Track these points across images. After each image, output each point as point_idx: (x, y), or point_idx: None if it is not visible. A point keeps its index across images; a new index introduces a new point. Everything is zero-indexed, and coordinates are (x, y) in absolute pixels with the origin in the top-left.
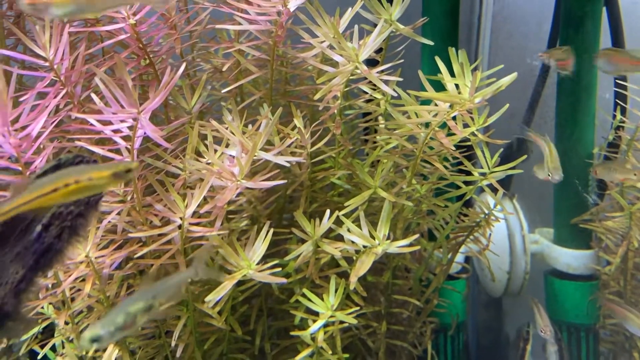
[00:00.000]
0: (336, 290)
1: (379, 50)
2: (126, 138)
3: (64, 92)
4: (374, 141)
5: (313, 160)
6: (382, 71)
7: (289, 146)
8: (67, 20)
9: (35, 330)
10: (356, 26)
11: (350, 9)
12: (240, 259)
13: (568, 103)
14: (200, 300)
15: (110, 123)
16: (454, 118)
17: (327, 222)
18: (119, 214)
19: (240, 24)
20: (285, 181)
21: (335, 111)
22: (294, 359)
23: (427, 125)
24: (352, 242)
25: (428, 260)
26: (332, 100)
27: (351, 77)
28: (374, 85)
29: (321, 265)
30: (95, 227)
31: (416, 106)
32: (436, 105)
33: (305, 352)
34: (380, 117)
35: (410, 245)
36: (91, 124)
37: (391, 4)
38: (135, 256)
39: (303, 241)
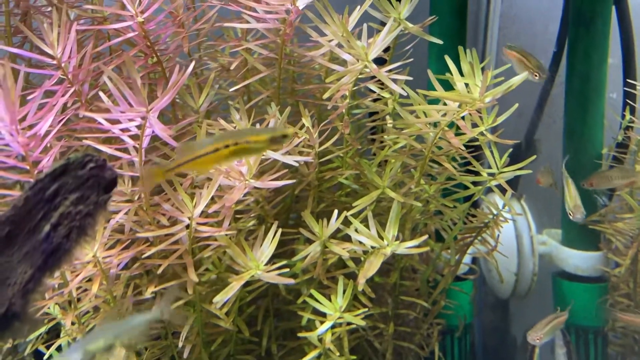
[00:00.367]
0: (344, 292)
1: (386, 49)
2: (133, 137)
3: (71, 90)
4: (382, 141)
5: (321, 160)
6: (390, 70)
7: (296, 146)
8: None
9: (42, 330)
10: (365, 25)
11: (358, 7)
12: (248, 259)
13: (577, 103)
14: (208, 301)
15: (118, 122)
16: (463, 118)
17: (335, 223)
18: (126, 213)
19: (248, 22)
20: (293, 181)
21: (344, 110)
22: None
23: (435, 124)
24: (360, 242)
25: (435, 261)
26: (340, 100)
27: (359, 76)
28: (382, 84)
29: (328, 266)
30: (102, 226)
31: (425, 105)
32: (445, 104)
33: (313, 354)
34: (387, 117)
35: (419, 246)
36: (99, 123)
37: (400, 3)
38: (143, 256)
39: (310, 241)
